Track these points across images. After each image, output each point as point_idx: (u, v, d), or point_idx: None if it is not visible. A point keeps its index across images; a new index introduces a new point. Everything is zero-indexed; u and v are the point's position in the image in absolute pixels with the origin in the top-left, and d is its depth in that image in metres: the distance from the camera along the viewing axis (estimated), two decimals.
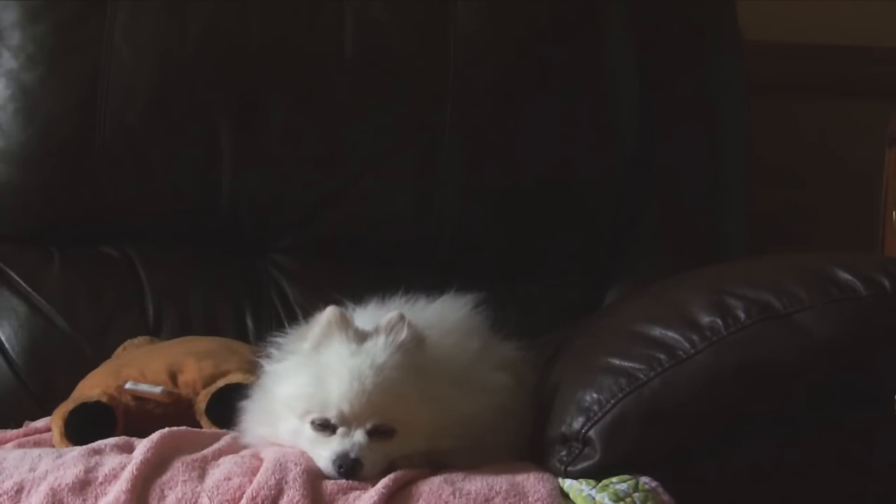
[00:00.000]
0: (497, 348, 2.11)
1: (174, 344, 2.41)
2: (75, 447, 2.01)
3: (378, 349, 1.95)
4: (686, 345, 1.95)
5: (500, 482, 1.88)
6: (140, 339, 2.49)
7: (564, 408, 1.98)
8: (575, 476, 1.92)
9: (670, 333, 1.97)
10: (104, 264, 2.61)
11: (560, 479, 1.92)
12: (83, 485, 1.87)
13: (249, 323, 2.60)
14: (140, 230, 2.63)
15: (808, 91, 3.08)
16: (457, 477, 1.91)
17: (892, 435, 1.96)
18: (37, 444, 2.17)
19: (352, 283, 2.33)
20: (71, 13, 2.61)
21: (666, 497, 1.86)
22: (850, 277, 1.96)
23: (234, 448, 2.02)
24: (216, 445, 2.01)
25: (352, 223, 2.65)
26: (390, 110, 2.63)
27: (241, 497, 1.86)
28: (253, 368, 2.14)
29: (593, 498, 1.86)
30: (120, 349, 2.47)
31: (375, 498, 1.86)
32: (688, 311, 1.99)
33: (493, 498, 1.86)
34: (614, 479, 1.88)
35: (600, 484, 1.88)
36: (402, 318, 1.97)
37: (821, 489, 1.97)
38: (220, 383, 2.21)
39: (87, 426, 2.14)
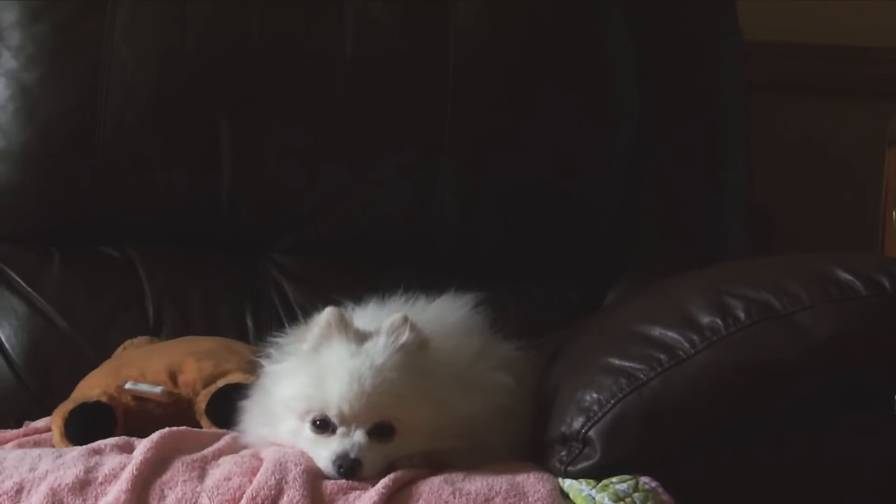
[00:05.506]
0: (497, 348, 2.11)
1: (174, 344, 2.41)
2: (75, 447, 2.01)
3: (378, 350, 1.95)
4: (686, 345, 1.95)
5: (500, 482, 1.88)
6: (140, 339, 2.49)
7: (564, 408, 1.98)
8: (575, 476, 1.92)
9: (670, 333, 1.97)
10: (104, 264, 2.61)
11: (560, 479, 1.92)
12: (83, 485, 1.87)
13: (249, 323, 2.60)
14: (140, 230, 2.63)
15: (808, 91, 3.08)
16: (457, 477, 1.91)
17: (893, 435, 1.96)
18: (37, 444, 2.17)
19: (352, 284, 2.32)
20: (71, 13, 2.61)
21: (666, 497, 1.86)
22: (850, 277, 1.96)
23: (234, 448, 2.02)
24: (216, 445, 2.01)
25: (352, 223, 2.65)
26: (390, 110, 2.64)
27: (241, 497, 1.85)
28: (253, 368, 2.13)
29: (593, 498, 1.85)
30: (120, 349, 2.47)
31: (375, 498, 1.86)
32: (688, 311, 1.99)
33: (493, 498, 1.86)
34: (614, 479, 1.88)
35: (600, 484, 1.88)
36: (405, 320, 1.97)
37: (820, 489, 1.97)
38: (220, 383, 2.21)
39: (87, 426, 2.14)
